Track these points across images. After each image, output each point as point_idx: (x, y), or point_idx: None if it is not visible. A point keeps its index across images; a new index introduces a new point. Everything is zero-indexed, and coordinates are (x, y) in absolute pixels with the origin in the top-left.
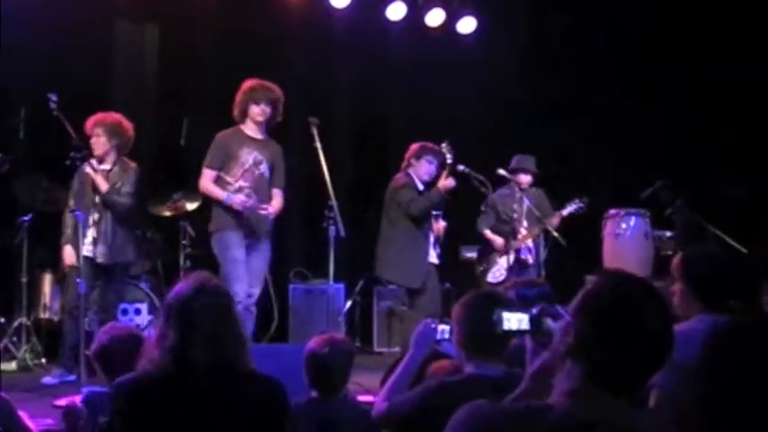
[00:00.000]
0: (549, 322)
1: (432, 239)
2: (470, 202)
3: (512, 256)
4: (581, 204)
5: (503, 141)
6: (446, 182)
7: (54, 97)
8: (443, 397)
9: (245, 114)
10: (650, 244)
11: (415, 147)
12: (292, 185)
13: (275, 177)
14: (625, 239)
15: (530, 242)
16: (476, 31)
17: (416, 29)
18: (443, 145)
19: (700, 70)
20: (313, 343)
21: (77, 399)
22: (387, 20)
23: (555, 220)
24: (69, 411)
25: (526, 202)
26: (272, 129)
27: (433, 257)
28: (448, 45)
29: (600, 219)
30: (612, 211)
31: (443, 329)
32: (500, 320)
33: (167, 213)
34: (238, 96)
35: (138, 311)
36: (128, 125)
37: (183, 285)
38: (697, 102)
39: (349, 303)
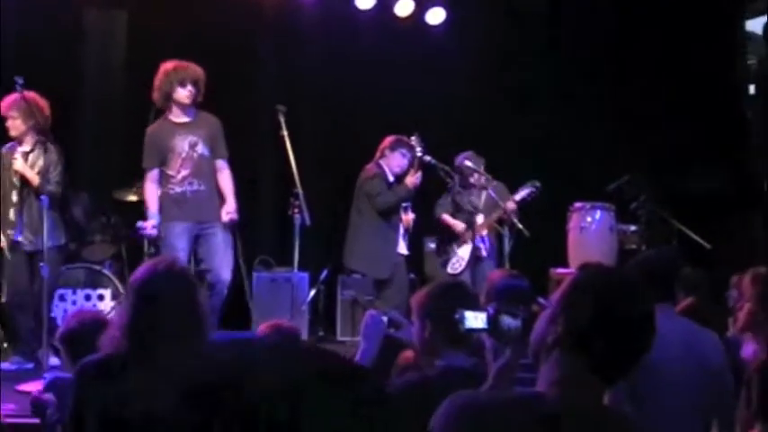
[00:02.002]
0: (506, 320)
1: (401, 230)
2: (436, 194)
3: (469, 247)
4: (533, 189)
5: (470, 133)
6: (413, 178)
7: (20, 80)
8: (427, 390)
9: (168, 98)
10: (615, 238)
11: (390, 138)
12: (259, 173)
13: (216, 149)
14: (590, 233)
15: (485, 233)
16: (445, 22)
17: (386, 18)
18: (413, 137)
19: (666, 64)
20: (259, 331)
21: (40, 385)
22: (356, 9)
23: (510, 205)
24: (36, 403)
25: (484, 195)
26: (199, 105)
27: (403, 248)
28: (417, 35)
29: (565, 212)
30: (578, 204)
31: (383, 319)
32: (462, 319)
33: (132, 198)
34: (159, 79)
35: (101, 297)
36: (43, 104)
37: (146, 267)
38: (664, 95)
39: (313, 292)
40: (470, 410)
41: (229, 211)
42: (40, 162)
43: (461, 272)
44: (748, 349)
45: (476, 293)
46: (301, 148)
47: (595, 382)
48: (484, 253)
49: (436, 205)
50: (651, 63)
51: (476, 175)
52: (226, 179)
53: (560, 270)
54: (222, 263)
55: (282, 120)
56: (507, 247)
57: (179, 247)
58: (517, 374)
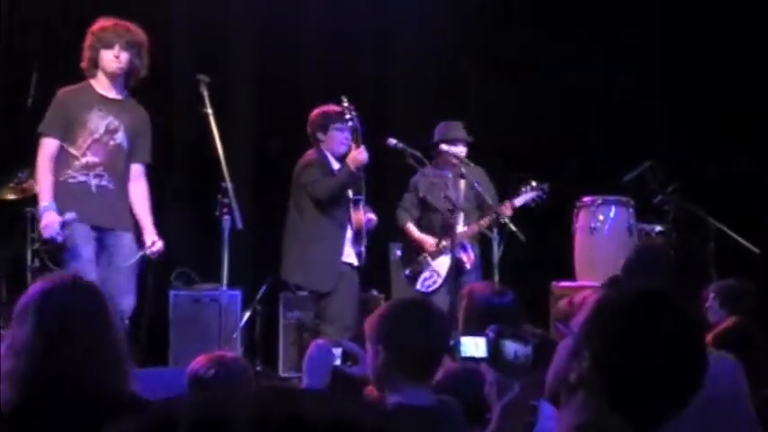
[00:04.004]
0: (510, 347)
1: (350, 233)
2: (400, 185)
3: (448, 258)
4: (539, 192)
5: (446, 106)
6: (356, 154)
7: None
8: None
9: (95, 64)
10: (635, 241)
11: (314, 118)
12: (175, 161)
13: (137, 150)
14: (602, 235)
15: (465, 240)
16: None
17: None
18: (344, 103)
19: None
20: (197, 364)
21: None
22: None
23: (506, 211)
24: None
25: (463, 185)
26: (137, 87)
27: (351, 256)
28: None
29: (570, 208)
30: (587, 199)
31: (336, 352)
32: (458, 346)
33: (11, 197)
34: (87, 40)
35: None
36: None
37: (45, 282)
38: (693, 61)
39: (248, 315)
40: None
41: (156, 239)
42: None
43: (437, 290)
44: None
45: (444, 313)
46: (230, 130)
47: (627, 429)
48: (467, 264)
49: (399, 208)
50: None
51: (452, 160)
52: (142, 193)
53: (564, 283)
54: (124, 286)
55: (205, 93)
56: (497, 253)
57: (86, 258)
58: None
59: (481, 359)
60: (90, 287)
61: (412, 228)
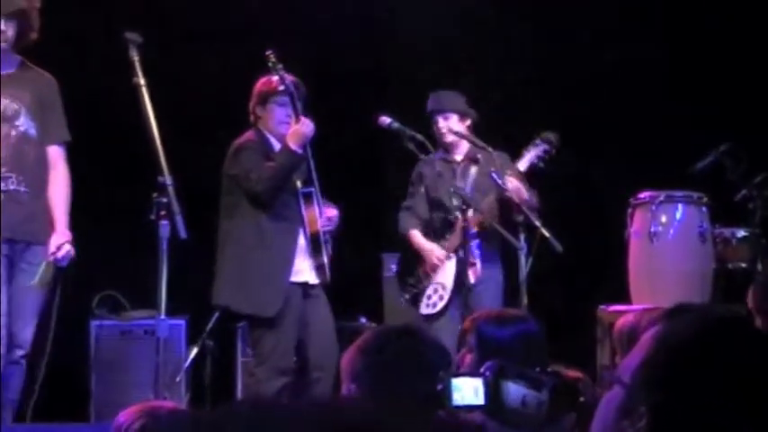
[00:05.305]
0: (514, 391)
1: (302, 240)
2: (402, 178)
3: (452, 264)
4: (544, 147)
5: (462, 74)
6: (297, 127)
7: None
8: None
9: None
10: (709, 250)
11: (256, 89)
12: (96, 150)
13: (48, 129)
14: (666, 242)
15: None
16: None
17: None
18: (269, 60)
19: None
20: (122, 417)
21: None
22: None
23: (511, 183)
24: None
25: (473, 173)
26: (29, 50)
27: (305, 273)
28: None
29: (623, 207)
30: (644, 195)
31: None
32: (449, 390)
33: None
34: None
35: None
36: None
37: None
38: None
39: (195, 351)
40: None
41: (61, 242)
42: None
43: (444, 309)
44: None
45: (443, 345)
46: (169, 107)
47: None
48: (471, 278)
49: (401, 210)
50: None
51: (449, 138)
52: (60, 182)
53: (615, 307)
54: (23, 315)
55: (136, 57)
56: (524, 267)
57: None
58: None
59: (477, 407)
60: None
61: (415, 235)
